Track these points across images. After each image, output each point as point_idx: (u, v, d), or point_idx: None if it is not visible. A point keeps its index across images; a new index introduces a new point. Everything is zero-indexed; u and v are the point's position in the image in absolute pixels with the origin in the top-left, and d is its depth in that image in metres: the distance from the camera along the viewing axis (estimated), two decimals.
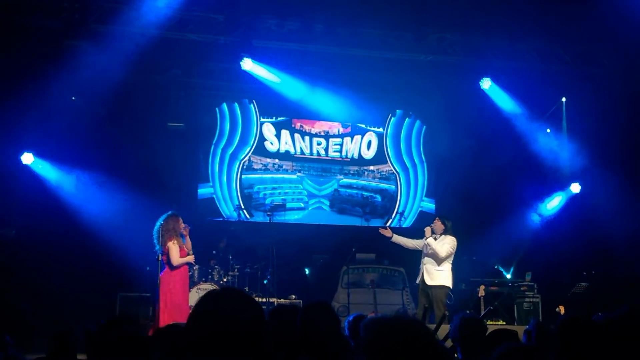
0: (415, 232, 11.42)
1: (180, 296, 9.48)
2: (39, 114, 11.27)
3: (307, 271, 13.52)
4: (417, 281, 10.50)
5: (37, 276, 10.62)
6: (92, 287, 11.15)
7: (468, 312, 10.70)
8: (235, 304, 2.15)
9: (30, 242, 10.67)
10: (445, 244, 10.27)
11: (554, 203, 14.34)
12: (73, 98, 12.38)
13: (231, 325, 2.08)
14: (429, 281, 10.27)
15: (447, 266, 10.33)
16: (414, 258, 10.93)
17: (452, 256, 10.40)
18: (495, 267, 13.64)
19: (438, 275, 10.28)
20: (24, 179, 11.88)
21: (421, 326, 2.21)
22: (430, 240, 10.28)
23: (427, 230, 10.39)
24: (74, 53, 11.43)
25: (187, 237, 9.73)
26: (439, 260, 10.25)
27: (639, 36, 11.34)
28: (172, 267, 9.45)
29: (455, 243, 10.36)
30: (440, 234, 10.38)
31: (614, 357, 3.36)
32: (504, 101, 13.73)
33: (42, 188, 11.92)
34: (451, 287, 10.41)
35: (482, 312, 11.15)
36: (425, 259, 10.40)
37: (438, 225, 10.45)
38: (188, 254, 9.60)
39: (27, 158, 12.11)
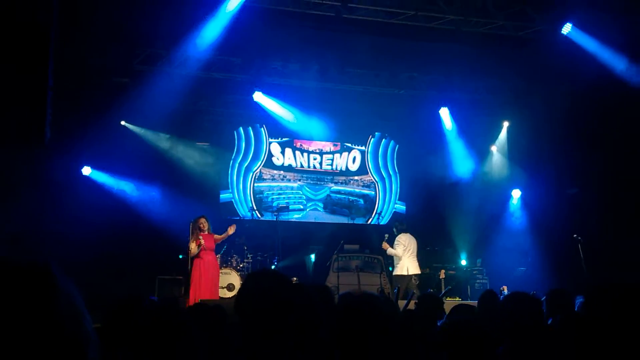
0: (389, 227, 11.55)
1: (197, 279, 9.58)
2: (96, 136, 11.25)
3: (312, 258, 13.44)
4: None
5: (88, 263, 10.52)
6: (136, 270, 11.09)
7: (430, 290, 10.75)
8: (276, 282, 2.10)
9: (88, 235, 10.59)
10: (394, 246, 10.69)
11: (514, 201, 14.36)
12: (122, 122, 12.37)
13: (273, 299, 2.02)
14: (393, 272, 10.90)
15: (402, 261, 10.62)
16: None
17: (407, 249, 10.64)
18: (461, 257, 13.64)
19: (396, 268, 10.77)
20: (85, 186, 11.87)
21: (385, 299, 2.21)
22: (389, 250, 10.78)
23: (384, 244, 10.84)
24: (122, 88, 11.46)
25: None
26: (397, 259, 10.73)
27: (567, 73, 11.39)
28: (192, 257, 9.72)
29: (399, 239, 10.67)
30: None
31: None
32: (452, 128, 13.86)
33: (98, 194, 11.89)
34: (408, 274, 10.56)
35: (443, 291, 11.13)
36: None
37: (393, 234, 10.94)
38: (200, 243, 9.73)
39: (86, 170, 12.11)
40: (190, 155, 13.27)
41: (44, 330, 1.17)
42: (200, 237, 9.73)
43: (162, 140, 12.96)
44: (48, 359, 1.16)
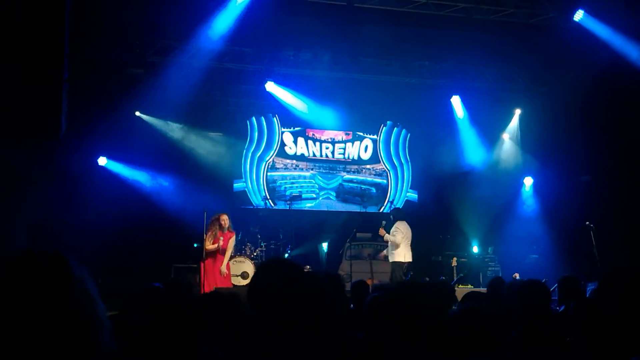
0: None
1: (209, 271, 9.53)
2: (111, 126, 11.30)
3: (325, 247, 13.46)
4: None
5: (108, 251, 10.59)
6: (152, 259, 11.17)
7: (443, 278, 10.76)
8: (288, 270, 2.09)
9: (104, 225, 10.68)
10: (393, 233, 10.53)
11: (526, 189, 14.28)
12: (136, 113, 12.43)
13: (285, 288, 2.00)
14: (390, 259, 10.67)
15: (400, 248, 10.50)
16: None
17: (406, 237, 10.56)
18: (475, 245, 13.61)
19: (394, 255, 10.55)
20: (100, 177, 11.95)
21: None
22: (386, 236, 10.60)
23: (381, 230, 10.70)
24: (136, 79, 11.50)
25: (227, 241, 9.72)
26: (394, 246, 10.51)
27: (579, 60, 11.32)
28: (205, 252, 9.57)
29: (399, 226, 10.57)
30: (393, 224, 10.68)
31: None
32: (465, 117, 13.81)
33: (114, 184, 11.95)
34: (405, 262, 10.53)
35: (455, 278, 11.15)
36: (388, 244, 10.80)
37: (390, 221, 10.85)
38: (217, 244, 9.54)
39: (102, 161, 12.19)
40: (203, 145, 13.30)
41: (59, 314, 1.23)
42: (221, 237, 9.51)
43: (175, 130, 13.01)
44: (62, 341, 1.22)
